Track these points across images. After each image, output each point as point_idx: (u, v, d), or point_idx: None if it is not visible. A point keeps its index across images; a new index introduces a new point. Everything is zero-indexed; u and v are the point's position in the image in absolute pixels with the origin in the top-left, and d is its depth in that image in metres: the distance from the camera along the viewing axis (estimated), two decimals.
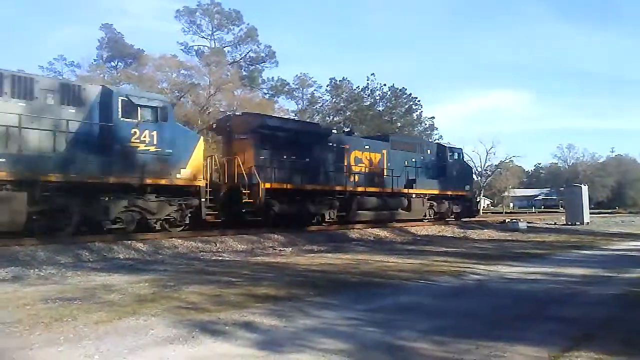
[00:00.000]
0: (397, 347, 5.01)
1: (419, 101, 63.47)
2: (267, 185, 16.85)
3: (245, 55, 51.63)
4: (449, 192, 25.96)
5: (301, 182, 18.33)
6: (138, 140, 13.44)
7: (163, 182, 14.00)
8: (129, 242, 12.93)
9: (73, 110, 12.66)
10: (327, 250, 14.15)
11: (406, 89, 63.21)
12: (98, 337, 5.13)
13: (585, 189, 31.75)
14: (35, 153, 11.87)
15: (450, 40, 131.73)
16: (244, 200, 16.22)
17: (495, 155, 66.41)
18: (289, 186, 17.81)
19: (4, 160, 11.28)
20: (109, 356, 4.58)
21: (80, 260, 11.13)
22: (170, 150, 14.07)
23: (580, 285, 8.94)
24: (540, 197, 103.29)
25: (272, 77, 54.64)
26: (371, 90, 61.87)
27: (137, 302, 6.77)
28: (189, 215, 14.91)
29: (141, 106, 13.59)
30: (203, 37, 51.56)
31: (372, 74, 70.41)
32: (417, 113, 64.13)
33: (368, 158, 21.75)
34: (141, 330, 5.43)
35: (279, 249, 14.34)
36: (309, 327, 5.73)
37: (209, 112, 39.90)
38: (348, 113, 59.34)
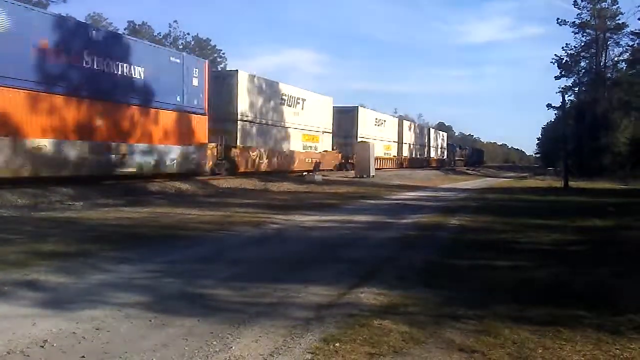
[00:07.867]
0: (197, 295, 5.04)
1: (223, 54, 62.82)
2: None
3: None
4: None
5: None
6: None
7: None
8: None
9: None
10: (124, 204, 13.39)
11: (211, 40, 61.97)
12: None
13: (372, 144, 34.71)
14: None
15: None
16: None
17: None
18: None
19: None
20: None
21: None
22: None
23: (365, 230, 9.96)
24: None
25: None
26: (174, 38, 59.28)
27: None
28: None
29: None
30: None
31: (175, 21, 67.73)
32: (222, 66, 63.42)
33: None
34: None
35: (68, 203, 13.14)
36: (104, 282, 5.43)
37: None
38: None
